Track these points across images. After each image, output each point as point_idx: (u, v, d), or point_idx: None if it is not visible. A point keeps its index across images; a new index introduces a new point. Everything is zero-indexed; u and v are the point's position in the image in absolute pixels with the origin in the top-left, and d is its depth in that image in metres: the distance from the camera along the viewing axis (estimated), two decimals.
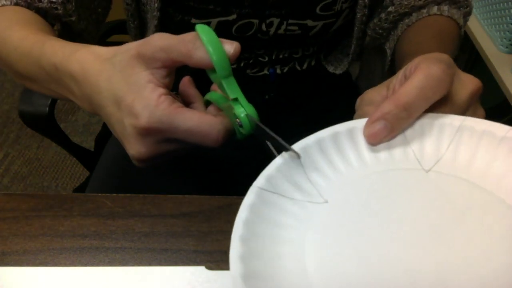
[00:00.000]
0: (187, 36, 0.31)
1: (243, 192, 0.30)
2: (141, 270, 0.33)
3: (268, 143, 0.34)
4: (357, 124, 0.34)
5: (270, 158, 0.33)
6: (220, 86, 0.34)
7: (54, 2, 0.46)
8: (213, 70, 0.32)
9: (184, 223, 0.36)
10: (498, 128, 0.31)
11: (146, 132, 0.31)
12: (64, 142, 0.71)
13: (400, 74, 0.34)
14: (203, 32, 0.31)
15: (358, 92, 0.76)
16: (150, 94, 0.31)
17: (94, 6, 0.53)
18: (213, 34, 0.32)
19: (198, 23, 0.32)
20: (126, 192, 0.39)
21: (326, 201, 0.31)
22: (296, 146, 0.33)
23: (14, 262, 0.33)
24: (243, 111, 0.33)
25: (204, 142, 0.32)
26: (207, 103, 0.39)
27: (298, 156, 0.31)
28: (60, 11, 0.46)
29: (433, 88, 0.31)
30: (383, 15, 0.56)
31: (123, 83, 0.31)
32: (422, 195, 0.31)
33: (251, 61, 0.58)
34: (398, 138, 0.33)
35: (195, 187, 0.62)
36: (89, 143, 1.52)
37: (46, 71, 0.37)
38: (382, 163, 0.33)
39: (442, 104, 0.33)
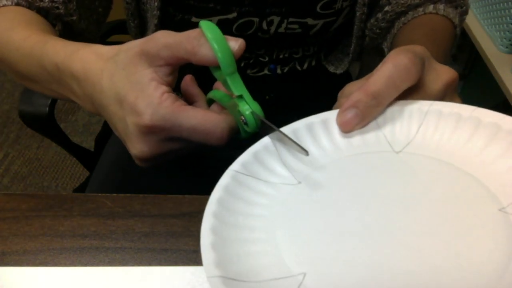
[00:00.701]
0: (192, 33, 0.31)
1: None
2: (141, 270, 0.33)
3: (274, 140, 0.34)
4: (330, 115, 0.35)
5: None
6: (225, 83, 0.33)
7: (55, 2, 0.46)
8: (217, 67, 0.32)
9: (184, 223, 0.36)
10: (463, 109, 0.32)
11: (149, 131, 0.31)
12: (64, 142, 0.71)
13: (379, 67, 0.35)
14: (208, 28, 0.31)
15: None
16: (153, 92, 0.31)
17: (95, 6, 0.53)
18: (217, 31, 0.31)
19: (198, 22, 0.32)
20: (126, 192, 0.39)
21: (300, 182, 0.32)
22: (271, 136, 0.34)
23: (14, 262, 0.33)
24: (248, 108, 0.33)
25: (208, 141, 0.32)
26: (210, 102, 0.38)
27: (306, 153, 0.32)
28: (61, 11, 0.46)
29: (401, 77, 0.32)
30: (379, 15, 0.56)
31: (125, 81, 0.31)
32: (392, 174, 0.32)
33: (251, 61, 0.58)
34: (371, 125, 0.34)
35: (195, 187, 0.62)
36: (89, 143, 1.52)
37: (48, 71, 0.37)
38: (355, 148, 0.34)
39: (415, 93, 0.34)
